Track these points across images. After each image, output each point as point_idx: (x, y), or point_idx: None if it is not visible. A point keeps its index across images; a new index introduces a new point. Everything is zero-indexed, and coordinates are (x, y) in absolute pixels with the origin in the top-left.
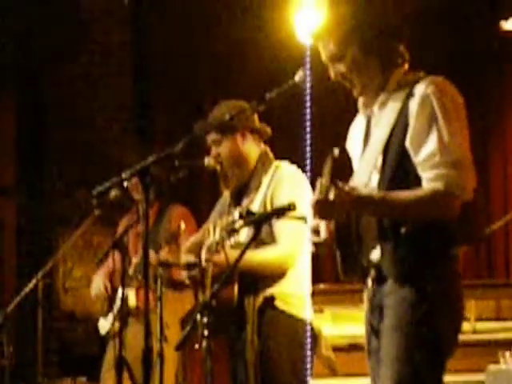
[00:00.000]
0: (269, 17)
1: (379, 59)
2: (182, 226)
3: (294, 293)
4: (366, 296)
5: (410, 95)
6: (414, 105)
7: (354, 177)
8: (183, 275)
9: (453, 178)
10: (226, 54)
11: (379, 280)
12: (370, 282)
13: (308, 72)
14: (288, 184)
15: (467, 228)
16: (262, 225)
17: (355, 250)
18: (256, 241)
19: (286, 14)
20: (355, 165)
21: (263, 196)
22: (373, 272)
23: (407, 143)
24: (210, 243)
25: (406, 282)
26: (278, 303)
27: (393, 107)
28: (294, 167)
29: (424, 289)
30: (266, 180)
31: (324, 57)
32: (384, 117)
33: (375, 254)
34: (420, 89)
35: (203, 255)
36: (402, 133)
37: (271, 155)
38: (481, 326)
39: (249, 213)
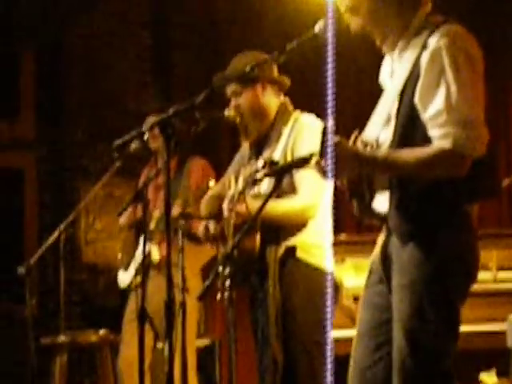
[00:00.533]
0: None
1: (395, 6)
2: (212, 181)
3: (316, 243)
4: (379, 240)
5: (424, 46)
6: (425, 58)
7: (369, 125)
8: (200, 231)
9: (461, 136)
10: (245, 10)
11: (389, 231)
12: (385, 229)
13: (329, 23)
14: (309, 134)
15: (480, 184)
16: (283, 175)
17: (367, 199)
18: (278, 191)
19: None
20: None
21: (284, 146)
22: (386, 221)
23: (416, 99)
24: (233, 193)
25: (415, 239)
26: (300, 253)
27: (409, 57)
28: (313, 117)
29: (432, 245)
30: (286, 131)
31: (342, 11)
32: (402, 64)
33: (385, 204)
34: (433, 40)
35: (225, 206)
36: (413, 86)
37: (291, 107)
38: (502, 275)
39: (272, 162)
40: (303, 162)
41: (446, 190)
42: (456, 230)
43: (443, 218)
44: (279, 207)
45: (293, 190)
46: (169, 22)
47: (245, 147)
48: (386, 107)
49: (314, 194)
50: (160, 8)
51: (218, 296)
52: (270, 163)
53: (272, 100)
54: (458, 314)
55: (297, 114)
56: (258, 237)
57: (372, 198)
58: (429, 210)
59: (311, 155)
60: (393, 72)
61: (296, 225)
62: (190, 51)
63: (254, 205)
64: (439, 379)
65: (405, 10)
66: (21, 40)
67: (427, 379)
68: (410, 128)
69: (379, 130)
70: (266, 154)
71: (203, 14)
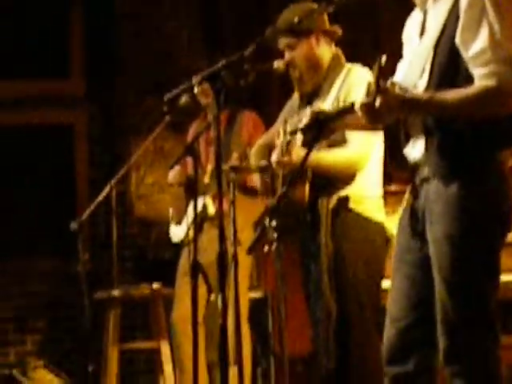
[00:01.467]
0: None
1: None
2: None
3: (368, 194)
4: (407, 194)
5: None
6: (464, 0)
7: (404, 74)
8: (255, 180)
9: (505, 74)
10: None
11: (424, 180)
12: (417, 180)
13: None
14: (362, 87)
15: None
16: (325, 124)
17: (403, 147)
18: (321, 140)
19: None
20: (406, 61)
21: (335, 97)
22: (419, 170)
23: (457, 39)
24: (281, 144)
25: (453, 184)
26: (352, 205)
27: (446, 3)
28: (366, 70)
29: (468, 196)
30: (337, 82)
31: None
32: (438, 11)
33: (419, 151)
34: None
35: (274, 157)
36: (453, 29)
37: (343, 58)
38: None
39: (319, 112)
40: (346, 111)
41: (486, 133)
42: (493, 178)
43: (483, 161)
44: (329, 157)
45: (343, 140)
46: None
47: (295, 97)
48: (421, 58)
49: (364, 145)
50: None
51: (266, 248)
52: (318, 112)
53: (326, 51)
54: (498, 261)
55: (349, 65)
56: (307, 187)
57: (407, 143)
58: (470, 151)
59: (353, 104)
60: (424, 23)
61: (346, 175)
62: (239, 7)
63: (302, 154)
64: (483, 327)
65: None
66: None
67: (471, 327)
68: (449, 72)
69: (419, 75)
70: (315, 105)
71: None
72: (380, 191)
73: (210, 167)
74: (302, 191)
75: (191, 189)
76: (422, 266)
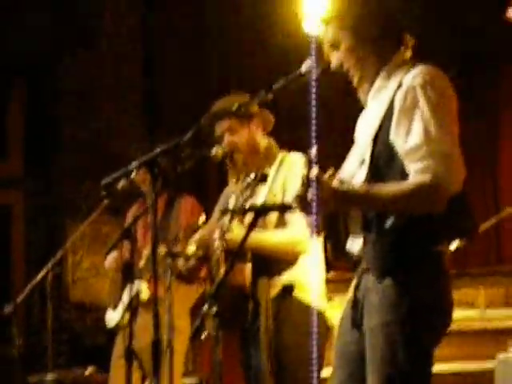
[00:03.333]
0: (275, 8)
1: (374, 47)
2: (202, 219)
3: (311, 282)
4: (352, 285)
5: (399, 85)
6: (399, 96)
7: (344, 166)
8: (180, 265)
9: (440, 170)
10: (234, 49)
11: (362, 273)
12: (358, 271)
13: (315, 62)
14: (297, 177)
15: (456, 223)
16: (261, 215)
17: (343, 238)
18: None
19: (293, 5)
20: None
21: (270, 184)
22: (357, 264)
23: (391, 135)
24: (221, 223)
25: (388, 277)
26: (297, 292)
27: (385, 97)
28: (299, 157)
29: (406, 287)
30: (272, 169)
31: (324, 44)
32: (376, 107)
33: (357, 246)
34: (407, 80)
35: (216, 235)
36: (389, 124)
37: (276, 146)
38: (490, 313)
39: (263, 175)
40: (285, 209)
41: (421, 228)
42: (430, 270)
43: (418, 255)
44: (270, 237)
45: (282, 223)
46: (158, 66)
47: (227, 190)
48: (362, 149)
49: (305, 229)
50: (151, 51)
51: (204, 335)
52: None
53: (262, 138)
54: (431, 356)
55: (283, 153)
56: (248, 269)
57: (347, 237)
58: (405, 246)
59: (283, 205)
60: (367, 118)
61: (287, 257)
62: (179, 93)
63: (242, 232)
64: None
65: (383, 53)
66: (9, 78)
67: None
68: (385, 167)
69: (355, 170)
70: (248, 194)
71: (193, 57)
72: (323, 277)
73: (145, 252)
74: (242, 274)
75: (128, 273)
76: (362, 359)
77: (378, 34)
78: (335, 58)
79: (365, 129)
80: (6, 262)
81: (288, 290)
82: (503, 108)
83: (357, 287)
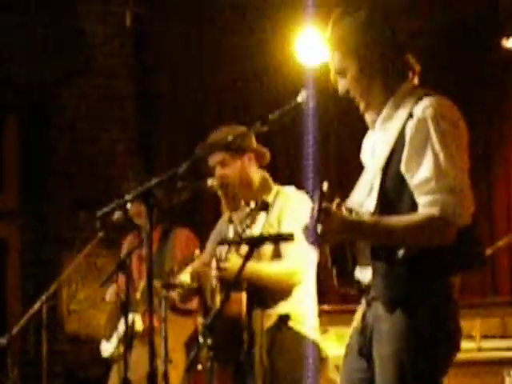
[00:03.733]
0: (270, 39)
1: (381, 76)
2: (197, 251)
3: (307, 312)
4: (358, 313)
5: (410, 116)
6: (410, 127)
7: (352, 194)
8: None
9: (449, 203)
10: (229, 81)
11: (371, 301)
12: (363, 300)
13: (311, 93)
14: (295, 204)
15: (466, 254)
16: (257, 245)
17: (350, 267)
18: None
19: (288, 36)
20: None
21: (265, 221)
22: (366, 292)
23: (402, 167)
24: (219, 252)
25: (397, 308)
26: (292, 323)
27: (394, 126)
28: (294, 191)
29: (416, 316)
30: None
31: (331, 71)
32: (386, 136)
33: (367, 275)
34: (418, 111)
35: (213, 264)
36: (399, 155)
37: (271, 180)
38: (486, 344)
39: (263, 203)
40: (281, 239)
41: (431, 259)
42: (439, 300)
43: (428, 286)
44: (266, 268)
45: (277, 255)
46: (153, 94)
47: (221, 223)
48: (370, 178)
49: (300, 260)
50: (145, 81)
51: (199, 367)
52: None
53: (255, 172)
54: (441, 381)
55: (278, 187)
56: (244, 298)
57: (354, 266)
58: (415, 277)
59: (289, 235)
60: (374, 144)
61: (281, 288)
62: (174, 124)
63: (239, 262)
64: None
65: (390, 81)
66: (4, 108)
67: None
68: (395, 197)
69: (364, 198)
70: (244, 226)
71: (186, 88)
72: (316, 309)
73: (142, 284)
74: (237, 304)
75: (124, 304)
76: None
77: (383, 62)
78: (341, 86)
79: (373, 156)
80: (1, 294)
81: (283, 320)
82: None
83: (364, 316)
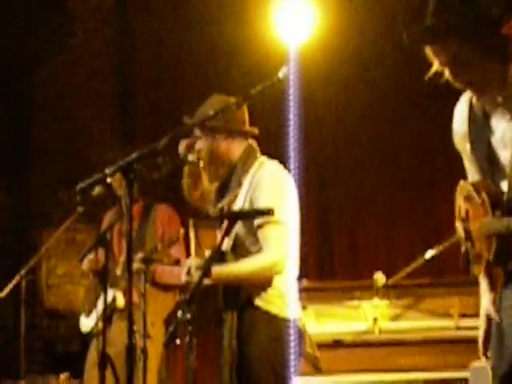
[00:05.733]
0: (250, 17)
1: (491, 57)
2: (181, 231)
3: (276, 292)
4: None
5: None
6: None
7: (505, 176)
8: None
9: None
10: (210, 56)
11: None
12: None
13: (291, 69)
14: (269, 186)
15: None
16: (235, 221)
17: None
18: (243, 250)
19: (268, 14)
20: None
21: (244, 198)
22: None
23: None
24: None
25: None
26: (259, 303)
27: None
28: (276, 166)
29: None
30: (248, 177)
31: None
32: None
33: None
34: None
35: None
36: None
37: (256, 151)
38: (464, 322)
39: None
40: (258, 215)
41: None
42: None
43: None
44: (245, 268)
45: (253, 242)
46: (131, 72)
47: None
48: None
49: (280, 250)
50: (123, 59)
51: (178, 341)
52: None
53: (234, 147)
54: None
55: (261, 159)
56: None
57: None
58: None
59: (268, 210)
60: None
61: (265, 281)
62: (154, 101)
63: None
64: None
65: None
66: None
67: None
68: None
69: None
70: (226, 201)
71: (168, 62)
72: (292, 287)
73: (122, 259)
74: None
75: (103, 279)
76: None
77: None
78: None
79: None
80: None
81: (248, 299)
82: None
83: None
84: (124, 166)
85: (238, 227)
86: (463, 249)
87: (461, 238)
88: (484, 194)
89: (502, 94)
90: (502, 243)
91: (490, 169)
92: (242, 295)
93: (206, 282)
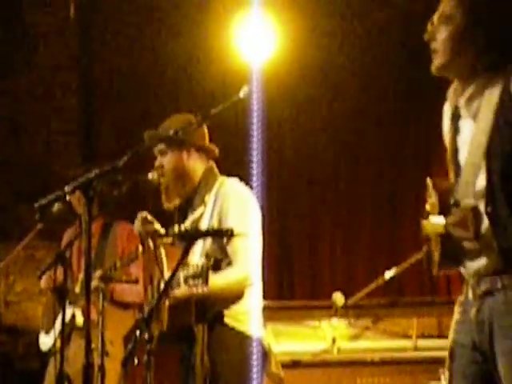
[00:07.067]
0: (211, 34)
1: (485, 37)
2: (140, 248)
3: (244, 309)
4: (460, 308)
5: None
6: None
7: (460, 176)
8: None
9: None
10: (173, 73)
11: (487, 292)
12: (470, 294)
13: (253, 88)
14: (235, 202)
15: None
16: (193, 241)
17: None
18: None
19: (229, 32)
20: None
21: (211, 212)
22: (481, 284)
23: None
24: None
25: None
26: (227, 320)
27: (490, 95)
28: (238, 183)
29: None
30: (211, 196)
31: (436, 15)
32: (483, 106)
33: (481, 262)
34: None
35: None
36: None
37: (216, 171)
38: (422, 343)
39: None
40: (220, 234)
41: None
42: None
43: None
44: (218, 283)
45: (222, 255)
46: (94, 87)
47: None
48: (477, 153)
49: (249, 263)
50: (86, 72)
51: (136, 361)
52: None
53: (197, 165)
54: None
55: (222, 178)
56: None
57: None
58: None
59: (228, 231)
60: (461, 118)
61: (236, 296)
62: (116, 115)
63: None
64: None
65: (491, 46)
66: None
67: None
68: None
69: (474, 175)
70: (189, 220)
71: (130, 78)
72: (258, 305)
73: (81, 276)
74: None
75: (61, 298)
76: (485, 381)
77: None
78: (440, 34)
79: (472, 131)
80: None
81: (218, 317)
82: None
83: (478, 310)
84: (83, 183)
85: (208, 244)
86: (425, 248)
87: (424, 237)
88: (435, 193)
89: (468, 92)
90: (446, 244)
91: (457, 169)
92: (212, 311)
93: (179, 295)
